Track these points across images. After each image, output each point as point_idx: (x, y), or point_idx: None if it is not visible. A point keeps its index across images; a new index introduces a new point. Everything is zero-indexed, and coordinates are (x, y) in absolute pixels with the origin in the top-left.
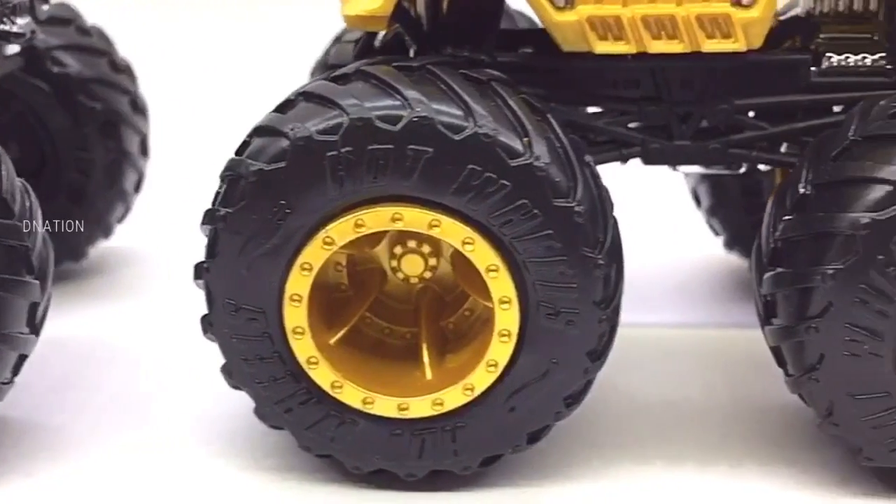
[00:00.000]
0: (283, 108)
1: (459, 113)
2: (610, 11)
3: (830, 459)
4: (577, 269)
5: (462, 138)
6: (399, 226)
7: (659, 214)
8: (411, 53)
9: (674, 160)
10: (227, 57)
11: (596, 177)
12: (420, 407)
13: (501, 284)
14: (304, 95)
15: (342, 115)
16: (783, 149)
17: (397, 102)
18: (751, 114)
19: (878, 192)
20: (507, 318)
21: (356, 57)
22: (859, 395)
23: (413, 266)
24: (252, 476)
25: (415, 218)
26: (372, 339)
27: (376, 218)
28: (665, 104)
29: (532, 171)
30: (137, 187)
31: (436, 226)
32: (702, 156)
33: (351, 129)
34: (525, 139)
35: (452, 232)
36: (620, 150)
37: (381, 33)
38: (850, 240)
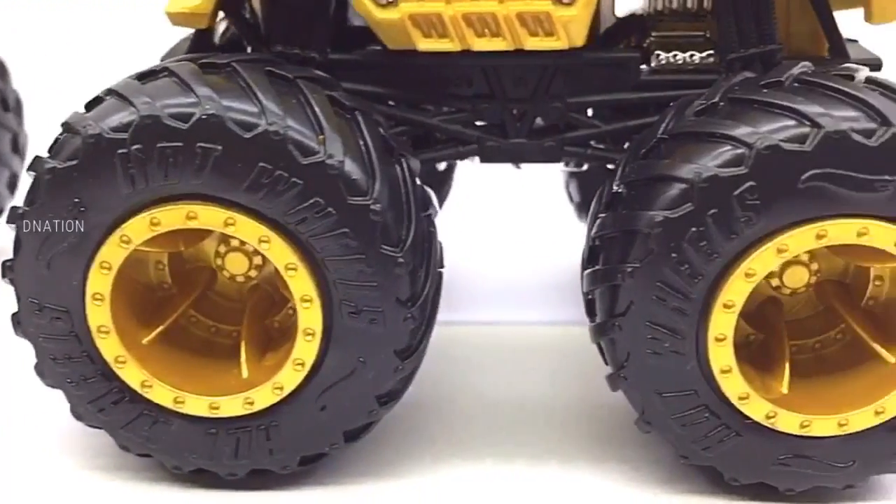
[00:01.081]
0: (89, 105)
1: (252, 110)
2: (432, 9)
3: (662, 457)
4: (376, 267)
5: (252, 136)
6: (195, 224)
7: (538, 213)
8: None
9: (510, 158)
10: (106, 49)
11: (407, 175)
12: (231, 406)
13: (301, 283)
14: (109, 93)
15: (134, 113)
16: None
17: (190, 100)
18: (590, 111)
19: (674, 190)
20: (310, 317)
21: (189, 50)
22: (666, 394)
23: (237, 264)
24: (82, 476)
25: (210, 216)
26: (198, 339)
27: (171, 216)
28: (499, 102)
29: (324, 168)
30: (12, 187)
31: (231, 224)
32: (538, 153)
33: (141, 127)
34: (320, 136)
35: (248, 230)
36: (458, 148)
37: (221, 30)
38: (646, 238)
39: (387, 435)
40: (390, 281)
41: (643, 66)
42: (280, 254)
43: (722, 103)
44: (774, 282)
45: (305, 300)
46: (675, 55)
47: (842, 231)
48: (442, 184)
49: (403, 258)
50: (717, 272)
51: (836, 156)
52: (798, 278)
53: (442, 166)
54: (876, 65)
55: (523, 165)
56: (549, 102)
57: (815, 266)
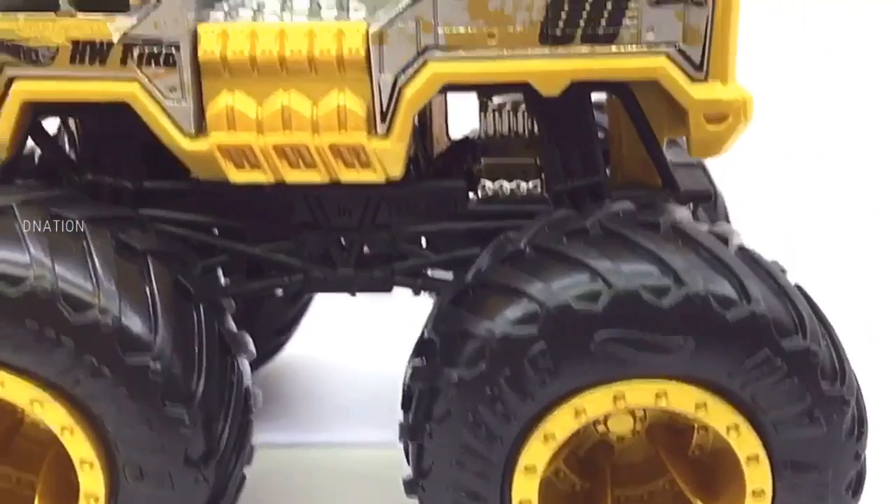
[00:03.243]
0: None
1: (22, 261)
2: (243, 140)
3: None
4: (159, 427)
5: (18, 292)
6: None
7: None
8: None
9: (338, 288)
10: None
11: (203, 321)
12: None
13: (79, 446)
14: None
15: None
16: None
17: None
18: (423, 240)
19: (471, 348)
20: (92, 482)
21: None
22: None
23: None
24: None
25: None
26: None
27: None
28: (323, 231)
29: (97, 326)
30: None
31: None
32: (367, 284)
33: None
34: (95, 290)
35: (17, 391)
36: (283, 278)
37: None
38: (446, 397)
39: None
40: (176, 441)
41: (471, 195)
42: (54, 416)
43: (528, 250)
44: (601, 427)
45: (85, 463)
46: (501, 185)
47: (639, 393)
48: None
49: (191, 416)
50: (514, 435)
51: (627, 316)
52: (623, 425)
53: None
54: (704, 196)
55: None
56: (377, 232)
57: (640, 412)
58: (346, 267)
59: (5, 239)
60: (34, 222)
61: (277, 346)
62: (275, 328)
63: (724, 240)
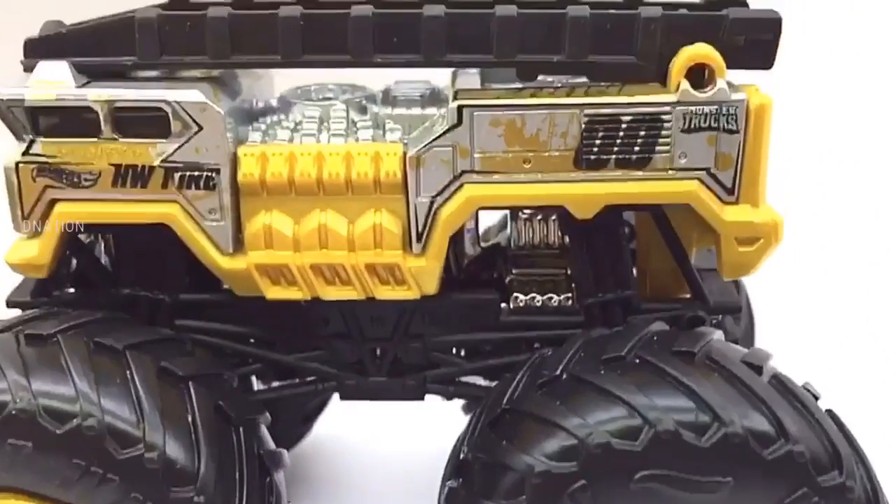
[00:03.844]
0: None
1: (69, 396)
2: (280, 259)
3: None
4: None
5: (67, 431)
6: None
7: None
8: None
9: (371, 396)
10: None
11: (244, 445)
12: None
13: None
14: None
15: None
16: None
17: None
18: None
19: (509, 480)
20: None
21: (33, 292)
22: None
23: None
24: None
25: None
26: None
27: None
28: (356, 341)
29: (142, 462)
30: None
31: None
32: (400, 392)
33: None
34: (140, 424)
35: None
36: (317, 385)
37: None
38: None
39: None
40: None
41: (503, 305)
42: None
43: (564, 376)
44: None
45: None
46: (533, 297)
47: None
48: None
49: None
50: None
51: (667, 455)
52: None
53: None
54: (733, 309)
55: None
56: (409, 342)
57: None
58: (379, 375)
59: (51, 371)
60: (78, 353)
61: (303, 433)
62: (301, 416)
63: (758, 369)
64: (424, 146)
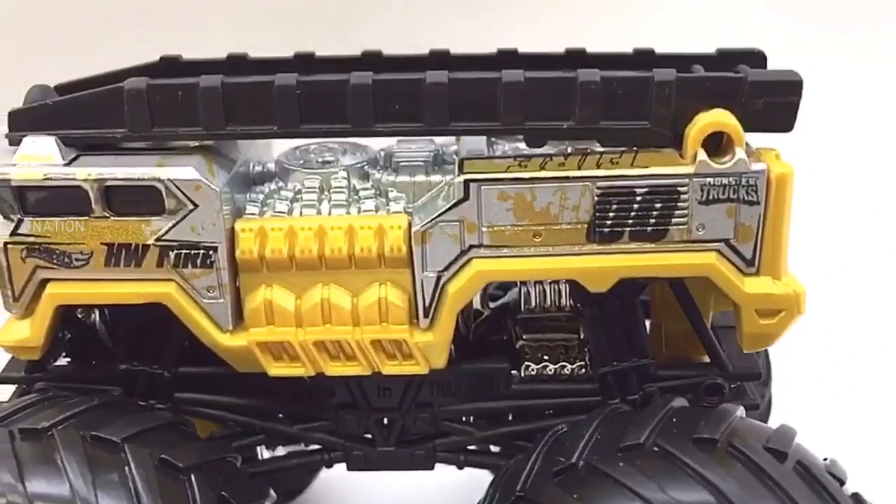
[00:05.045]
0: None
1: (66, 497)
2: (282, 336)
3: None
4: None
5: None
6: None
7: None
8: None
9: (378, 466)
10: None
11: None
12: None
13: None
14: None
15: None
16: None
17: None
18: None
19: None
20: None
21: (28, 368)
22: None
23: None
24: None
25: None
26: None
27: None
28: (363, 411)
29: None
30: None
31: None
32: (408, 462)
33: None
34: None
35: None
36: (323, 456)
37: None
38: None
39: None
40: None
41: (514, 373)
42: None
43: (580, 464)
44: None
45: None
46: (545, 366)
47: None
48: None
49: None
50: None
51: None
52: None
53: None
54: (753, 377)
55: None
56: (418, 412)
57: None
58: (387, 445)
59: (45, 471)
60: (74, 449)
61: (301, 489)
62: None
63: (783, 455)
64: (431, 221)
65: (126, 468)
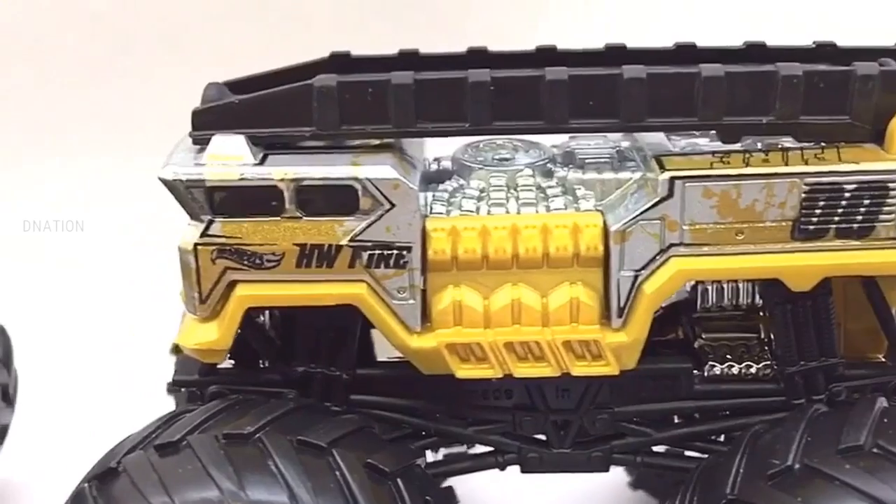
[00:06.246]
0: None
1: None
2: (471, 337)
3: None
4: None
5: None
6: None
7: None
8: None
9: (554, 468)
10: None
11: None
12: None
13: None
14: (124, 471)
15: None
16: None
17: (211, 494)
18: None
19: None
20: None
21: (201, 372)
22: None
23: None
24: None
25: None
26: None
27: None
28: (541, 413)
29: None
30: (2, 436)
31: None
32: (584, 464)
33: None
34: None
35: None
36: (497, 458)
37: None
38: None
39: None
40: None
41: (696, 372)
42: None
43: (797, 466)
44: None
45: None
46: (729, 366)
47: None
48: None
49: None
50: None
51: None
52: None
53: None
54: None
55: None
56: (595, 413)
57: None
58: (563, 447)
59: (262, 477)
60: (287, 455)
61: None
62: None
63: None
64: (631, 219)
65: (337, 473)
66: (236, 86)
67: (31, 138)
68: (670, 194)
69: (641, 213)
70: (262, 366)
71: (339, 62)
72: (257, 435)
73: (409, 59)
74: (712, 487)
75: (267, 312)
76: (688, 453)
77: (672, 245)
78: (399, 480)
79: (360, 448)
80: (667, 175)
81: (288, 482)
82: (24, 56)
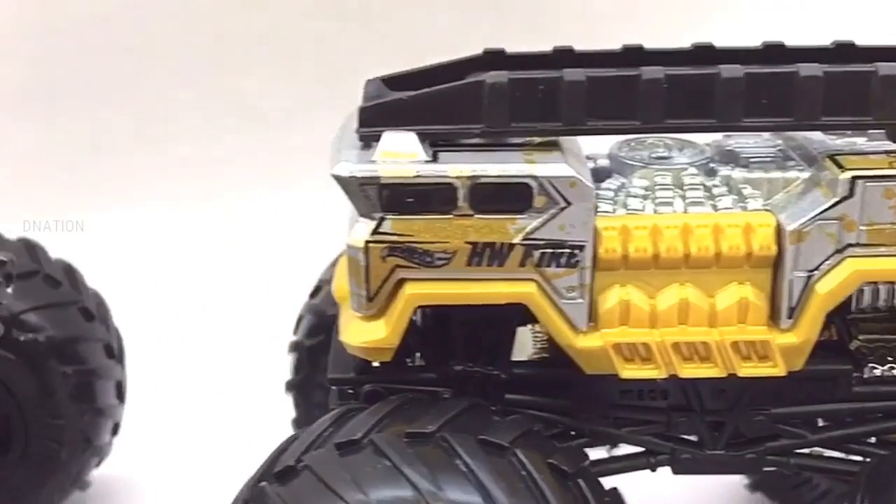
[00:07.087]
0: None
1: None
2: (637, 337)
3: None
4: None
5: None
6: None
7: None
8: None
9: (706, 470)
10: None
11: None
12: None
13: None
14: (307, 468)
15: None
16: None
17: (406, 494)
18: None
19: None
20: None
21: (357, 370)
22: None
23: None
24: None
25: None
26: None
27: None
28: (696, 414)
29: None
30: (114, 432)
31: None
32: (737, 465)
33: None
34: None
35: None
36: (648, 459)
37: None
38: None
39: None
40: None
41: (855, 375)
42: None
43: None
44: None
45: None
46: (890, 368)
47: None
48: None
49: None
50: None
51: None
52: None
53: None
54: None
55: None
56: (751, 415)
57: None
58: (716, 449)
59: (455, 478)
60: (475, 455)
61: None
62: None
63: None
64: (809, 219)
65: (524, 473)
66: (392, 82)
67: (32, 138)
68: (851, 194)
69: (820, 213)
70: (409, 364)
71: (492, 59)
72: (441, 434)
73: (565, 57)
74: (886, 490)
75: (420, 310)
76: (832, 454)
77: (848, 245)
78: (580, 481)
79: (537, 448)
80: (848, 174)
81: (481, 482)
82: (24, 56)
